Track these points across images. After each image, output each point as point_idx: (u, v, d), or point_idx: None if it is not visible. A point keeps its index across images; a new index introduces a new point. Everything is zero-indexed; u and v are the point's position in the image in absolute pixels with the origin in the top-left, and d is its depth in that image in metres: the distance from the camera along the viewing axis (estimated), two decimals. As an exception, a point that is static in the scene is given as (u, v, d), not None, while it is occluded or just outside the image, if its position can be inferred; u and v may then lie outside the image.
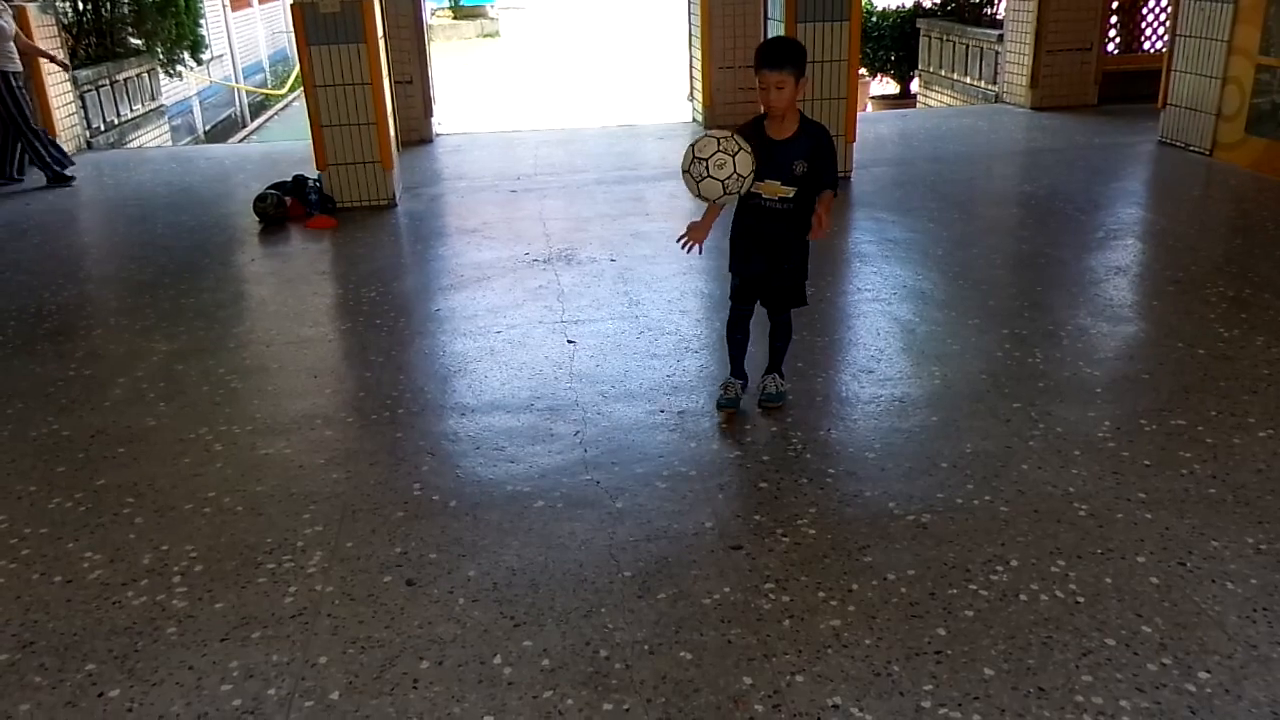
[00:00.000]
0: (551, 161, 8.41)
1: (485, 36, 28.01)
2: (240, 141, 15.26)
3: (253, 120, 17.79)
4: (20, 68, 7.85)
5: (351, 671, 2.53)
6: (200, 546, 3.08)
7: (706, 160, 3.32)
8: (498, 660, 2.55)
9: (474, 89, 18.31)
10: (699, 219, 3.67)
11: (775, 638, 2.60)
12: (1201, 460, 3.37)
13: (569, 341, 4.53)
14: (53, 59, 8.50)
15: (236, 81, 18.25)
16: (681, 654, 2.55)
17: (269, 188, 6.85)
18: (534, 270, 5.55)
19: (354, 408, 4.04)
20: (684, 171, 3.40)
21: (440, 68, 18.42)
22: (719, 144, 3.34)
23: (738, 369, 3.92)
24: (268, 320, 5.09)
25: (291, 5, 6.76)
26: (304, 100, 7.25)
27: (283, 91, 19.63)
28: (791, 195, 3.55)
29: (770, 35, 7.52)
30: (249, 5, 20.11)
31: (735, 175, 3.33)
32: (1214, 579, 2.77)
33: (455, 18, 28.94)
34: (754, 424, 3.75)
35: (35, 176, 8.12)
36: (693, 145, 3.39)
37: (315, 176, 6.94)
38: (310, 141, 6.97)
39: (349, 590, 2.85)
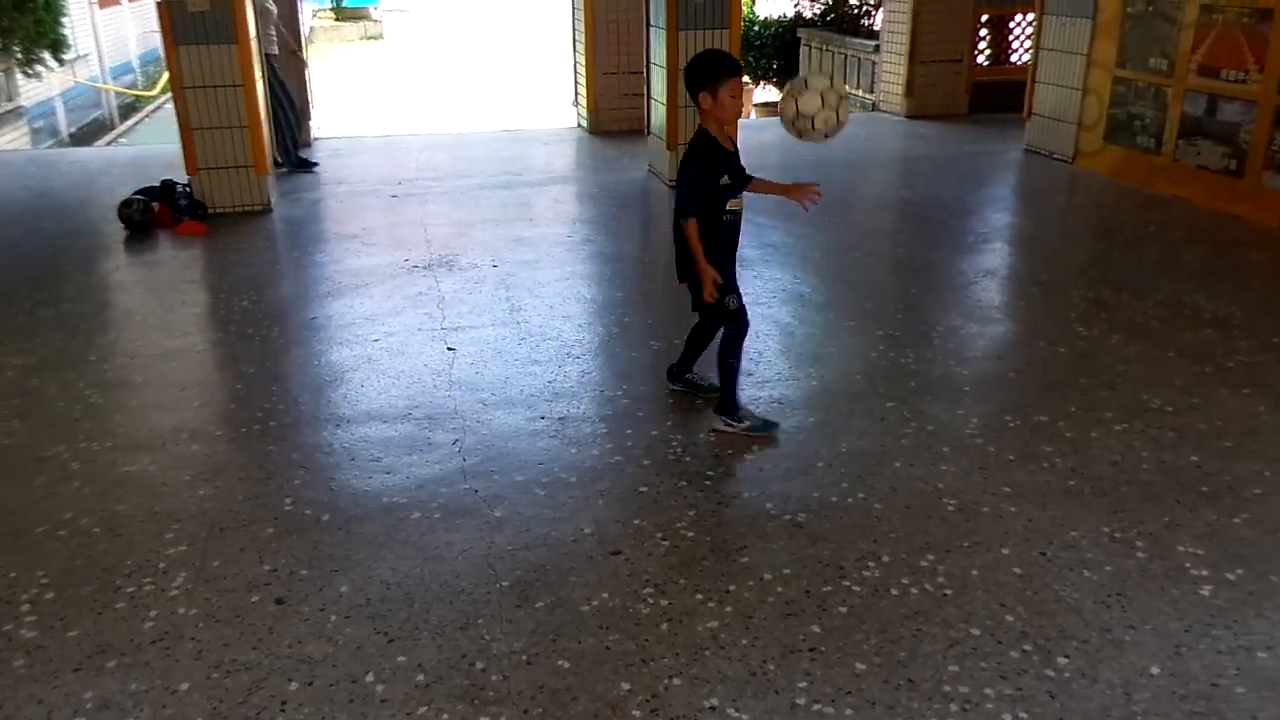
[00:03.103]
0: (435, 166, 8.28)
1: (368, 39, 27.45)
2: (108, 144, 14.58)
3: (122, 122, 17.03)
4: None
5: (215, 697, 2.43)
6: (53, 572, 2.91)
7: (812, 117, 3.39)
8: (370, 678, 2.48)
9: (356, 92, 17.92)
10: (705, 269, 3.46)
11: (653, 642, 2.60)
12: (1062, 454, 3.52)
13: (449, 349, 4.46)
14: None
15: (104, 82, 17.44)
16: (559, 662, 2.52)
17: (136, 193, 6.55)
18: (414, 276, 5.45)
19: (223, 421, 3.88)
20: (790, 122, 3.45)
21: (321, 70, 17.90)
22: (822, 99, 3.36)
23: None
24: (133, 331, 4.86)
25: (158, 3, 6.49)
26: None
27: (154, 93, 18.85)
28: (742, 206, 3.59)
29: (653, 42, 7.57)
30: (118, 3, 19.26)
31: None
32: (1072, 568, 2.89)
33: (337, 19, 28.29)
34: (635, 429, 3.75)
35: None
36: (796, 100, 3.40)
37: (185, 181, 6.67)
38: (180, 145, 6.70)
39: (214, 612, 2.73)
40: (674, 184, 7.26)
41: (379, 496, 3.30)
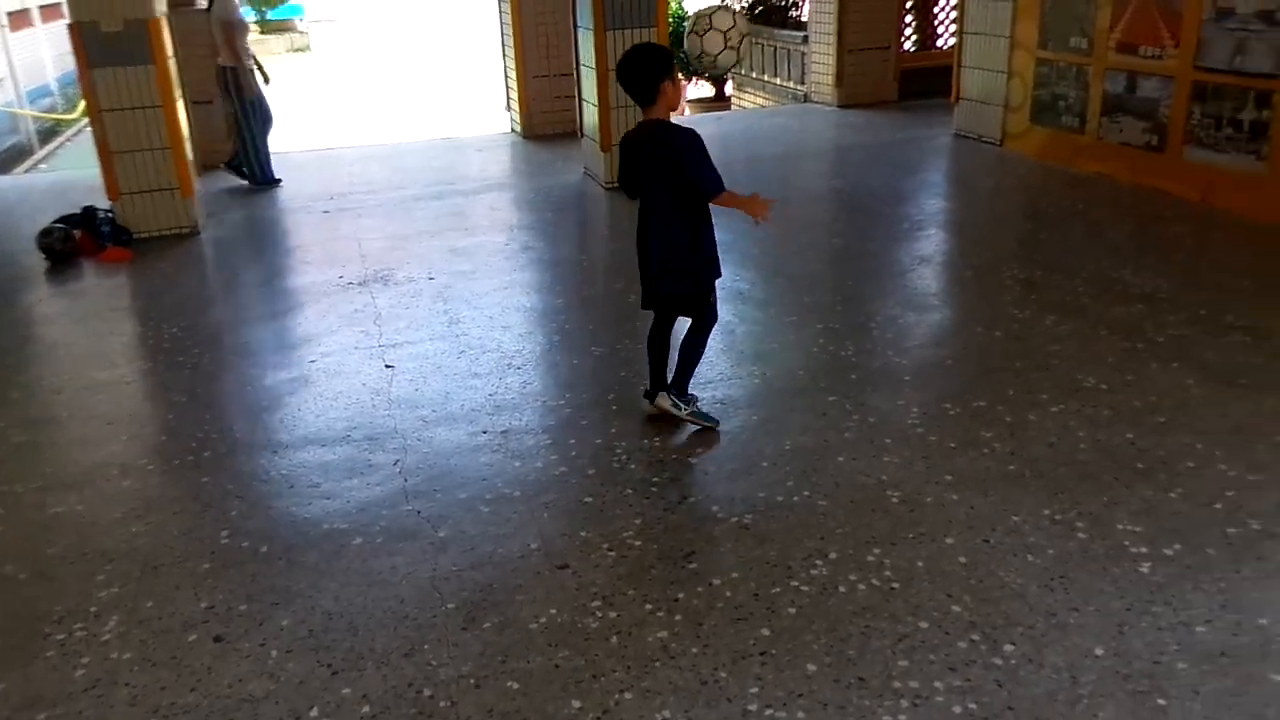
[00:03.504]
0: (368, 179, 8.17)
1: (295, 51, 27.06)
2: (26, 171, 14.17)
3: (42, 147, 16.57)
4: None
5: (153, 744, 2.36)
6: (-22, 624, 2.80)
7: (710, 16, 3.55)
8: (315, 713, 2.42)
9: (285, 106, 17.60)
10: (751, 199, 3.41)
11: (603, 656, 2.57)
12: (1001, 438, 3.56)
13: (387, 366, 4.39)
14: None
15: (20, 106, 16.95)
16: (508, 684, 2.49)
17: (56, 221, 6.35)
18: (349, 294, 5.36)
19: (155, 454, 3.78)
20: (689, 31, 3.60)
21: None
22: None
23: None
24: (57, 365, 4.72)
25: (69, 25, 6.30)
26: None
27: (73, 116, 18.36)
28: None
29: (582, 43, 7.54)
30: (31, 25, 18.72)
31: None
32: (1015, 553, 2.92)
33: (262, 32, 27.81)
34: (579, 438, 3.72)
35: None
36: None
37: (107, 207, 6.49)
38: (100, 170, 6.52)
39: (149, 654, 2.65)
40: (612, 184, 7.27)
41: (319, 523, 3.23)
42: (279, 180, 8.05)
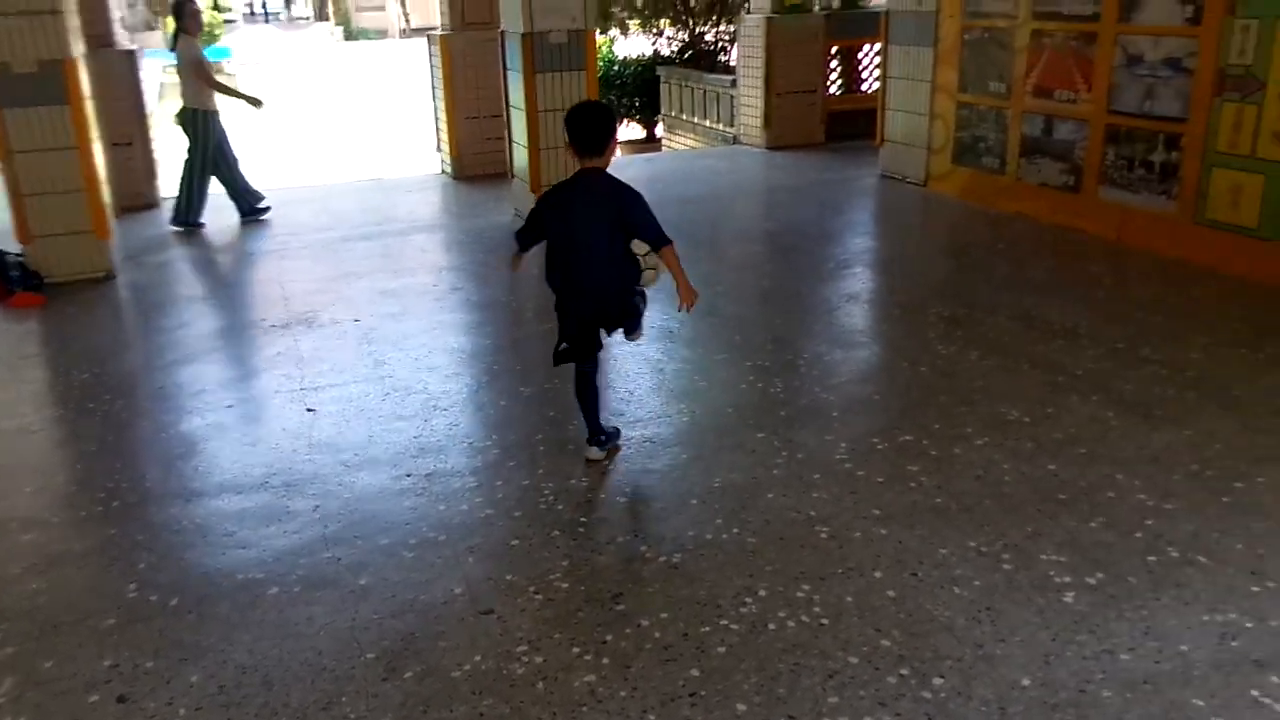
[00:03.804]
0: (294, 220, 8.03)
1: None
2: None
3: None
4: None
5: (47, 813, 2.21)
6: None
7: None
8: (223, 774, 2.31)
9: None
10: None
11: (529, 703, 2.50)
12: (928, 472, 3.58)
13: (308, 410, 4.28)
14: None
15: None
16: (429, 736, 2.40)
17: (-39, 266, 6.13)
18: (271, 337, 5.23)
19: (61, 505, 3.61)
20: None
21: (170, 127, 17.29)
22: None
23: None
24: (-41, 414, 4.51)
25: (-22, 65, 6.12)
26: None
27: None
28: None
29: (511, 86, 7.55)
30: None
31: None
32: (943, 585, 2.92)
33: (190, 75, 27.41)
34: (505, 480, 3.65)
35: None
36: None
37: (18, 250, 6.28)
38: (11, 212, 6.31)
39: (47, 718, 2.51)
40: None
41: (233, 573, 3.10)
42: (202, 224, 7.92)
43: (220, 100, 7.85)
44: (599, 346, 3.76)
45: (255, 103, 8.17)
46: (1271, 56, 5.41)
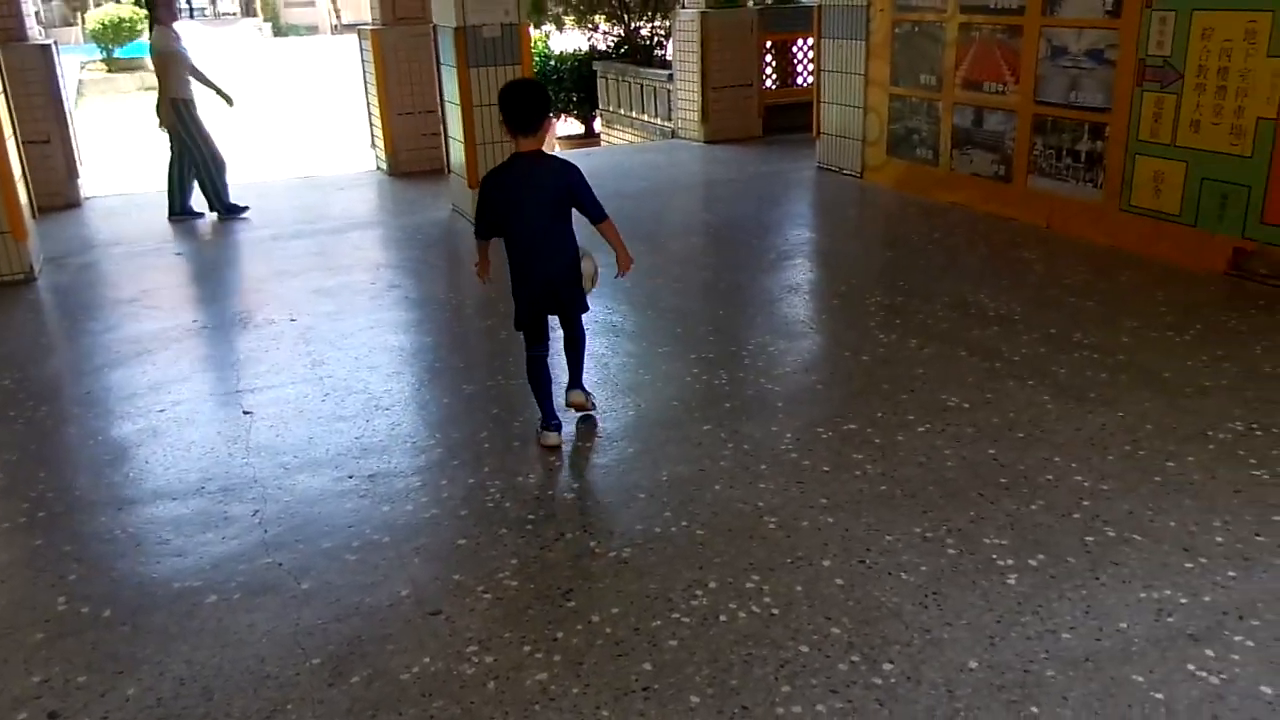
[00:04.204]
0: (226, 219, 7.83)
1: (147, 90, 25.94)
2: None
3: None
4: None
5: (-23, 838, 2.12)
6: None
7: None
8: (164, 789, 2.23)
9: (133, 145, 16.85)
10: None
11: (480, 703, 2.46)
12: (872, 460, 3.61)
13: (245, 412, 4.17)
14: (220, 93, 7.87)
15: None
16: (378, 741, 2.35)
17: None
18: (203, 338, 5.10)
19: (-17, 517, 3.47)
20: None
21: (91, 124, 16.78)
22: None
23: None
24: None
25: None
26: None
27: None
28: None
29: (446, 80, 7.46)
30: None
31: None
32: (890, 571, 2.95)
33: (109, 70, 26.63)
34: (450, 479, 3.60)
35: None
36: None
37: (-69, 253, 6.03)
38: (-78, 214, 6.05)
39: (-27, 738, 2.41)
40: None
41: (169, 582, 3.01)
42: (201, 214, 7.90)
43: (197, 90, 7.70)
44: (544, 335, 3.79)
45: (228, 100, 7.99)
46: (1187, 47, 5.57)
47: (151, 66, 7.58)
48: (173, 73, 7.51)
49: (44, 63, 8.02)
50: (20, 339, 5.31)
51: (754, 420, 3.98)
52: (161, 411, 4.23)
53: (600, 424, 3.98)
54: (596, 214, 3.66)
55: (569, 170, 3.62)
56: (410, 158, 9.34)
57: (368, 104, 9.69)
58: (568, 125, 14.40)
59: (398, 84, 9.15)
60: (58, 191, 8.15)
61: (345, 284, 5.99)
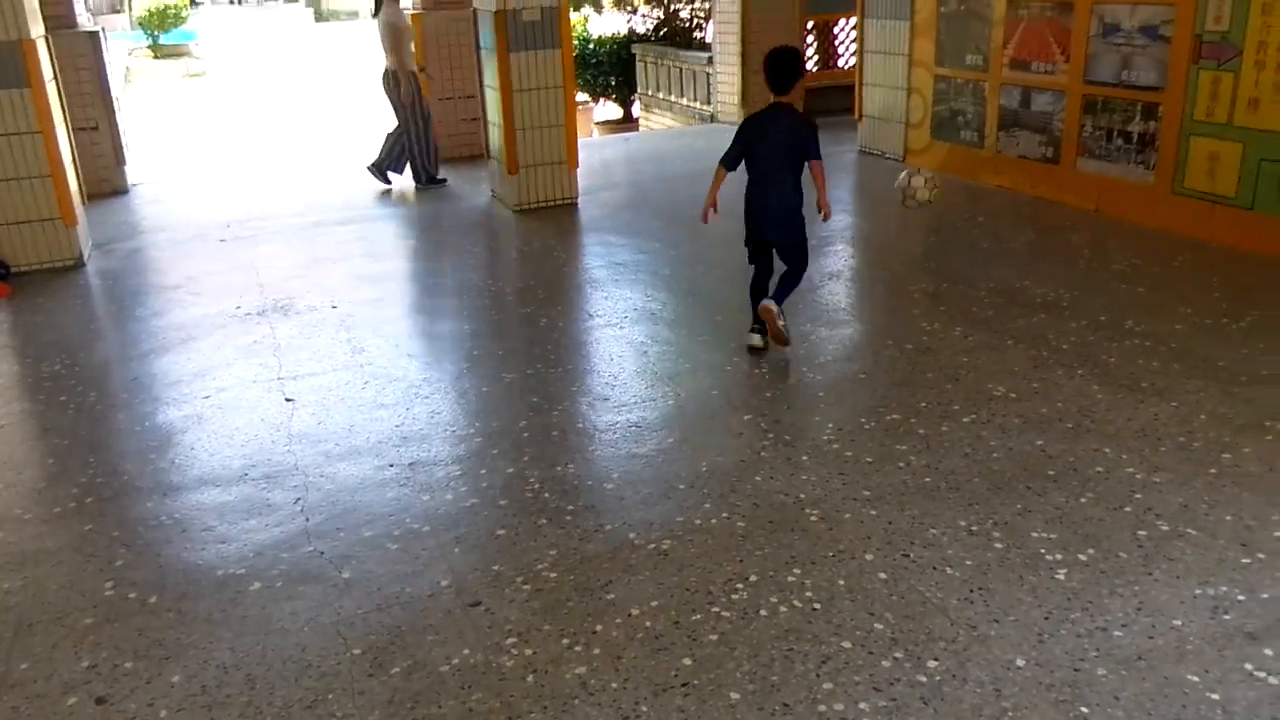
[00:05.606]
0: (268, 205, 7.90)
1: (191, 76, 26.27)
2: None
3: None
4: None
5: (27, 822, 2.16)
6: None
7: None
8: (208, 777, 2.25)
9: (179, 132, 17.07)
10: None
11: (519, 697, 2.46)
12: (916, 451, 3.55)
13: (287, 399, 4.20)
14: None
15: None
16: (419, 732, 2.36)
17: (-74, 257, 5.99)
18: (247, 325, 5.14)
19: (33, 502, 3.53)
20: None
21: (137, 111, 17.01)
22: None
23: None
24: (-74, 411, 4.40)
25: (-64, 49, 5.96)
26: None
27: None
28: None
29: (485, 65, 7.44)
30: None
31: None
32: (935, 566, 2.90)
33: (156, 57, 26.97)
34: (490, 468, 3.59)
35: None
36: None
37: (-17, 240, 6.14)
38: (-26, 201, 6.16)
39: (24, 723, 2.45)
40: (519, 207, 7.19)
41: (213, 569, 3.04)
42: (444, 180, 8.29)
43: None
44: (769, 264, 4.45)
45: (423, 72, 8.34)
46: (1247, 21, 5.39)
47: (383, 40, 7.84)
48: (404, 46, 7.82)
49: (92, 49, 8.12)
50: (70, 325, 5.39)
51: (795, 410, 3.93)
52: (206, 398, 4.27)
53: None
54: (814, 155, 4.31)
55: (806, 126, 4.35)
56: (450, 143, 9.34)
57: (408, 89, 9.69)
58: (605, 109, 14.34)
59: (438, 69, 9.15)
60: (105, 178, 8.26)
61: (386, 271, 6.02)
